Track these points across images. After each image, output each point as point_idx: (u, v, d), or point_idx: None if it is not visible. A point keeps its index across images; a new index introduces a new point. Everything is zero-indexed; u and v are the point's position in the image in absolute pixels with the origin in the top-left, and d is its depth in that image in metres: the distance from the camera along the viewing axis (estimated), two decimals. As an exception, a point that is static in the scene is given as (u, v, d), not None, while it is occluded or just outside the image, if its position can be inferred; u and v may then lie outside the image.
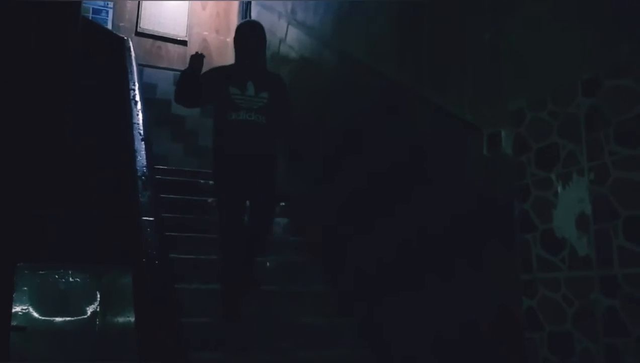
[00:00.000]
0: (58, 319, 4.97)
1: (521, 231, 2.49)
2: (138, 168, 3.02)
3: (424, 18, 3.37)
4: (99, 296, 4.68)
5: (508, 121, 2.60)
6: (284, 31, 5.99)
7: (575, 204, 2.25)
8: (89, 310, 4.89)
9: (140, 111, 3.89)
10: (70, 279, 5.01)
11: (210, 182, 5.36)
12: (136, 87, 4.37)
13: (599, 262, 2.13)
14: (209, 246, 3.71)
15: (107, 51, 4.99)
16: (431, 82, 3.24)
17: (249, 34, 3.51)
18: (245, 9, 7.94)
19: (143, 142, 3.38)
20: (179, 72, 8.24)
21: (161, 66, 7.99)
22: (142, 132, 3.51)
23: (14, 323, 4.21)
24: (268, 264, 3.79)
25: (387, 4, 3.81)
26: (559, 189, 2.32)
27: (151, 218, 2.55)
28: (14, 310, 4.40)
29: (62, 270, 4.84)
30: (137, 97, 4.16)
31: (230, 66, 3.64)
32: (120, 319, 4.59)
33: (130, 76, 4.51)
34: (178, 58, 8.17)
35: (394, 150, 3.46)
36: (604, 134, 2.15)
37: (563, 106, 2.33)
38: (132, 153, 3.22)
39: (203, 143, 7.92)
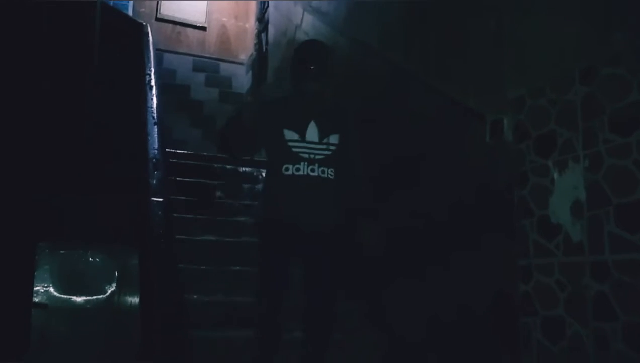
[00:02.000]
0: (77, 298, 5.13)
1: (519, 217, 2.53)
2: (150, 150, 3.13)
3: (432, 10, 3.39)
4: (116, 275, 4.83)
5: (509, 109, 2.64)
6: (300, 17, 6.03)
7: (570, 191, 2.28)
8: (107, 289, 5.05)
9: (155, 96, 3.99)
10: (90, 259, 5.17)
11: (228, 166, 5.49)
12: (152, 73, 4.47)
13: (591, 248, 2.17)
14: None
15: (126, 36, 5.09)
16: (438, 71, 3.27)
17: (311, 57, 2.55)
18: (264, -5, 7.99)
19: (156, 126, 3.48)
20: (198, 58, 8.46)
21: (180, 51, 8.08)
22: (155, 116, 3.61)
23: (35, 300, 4.38)
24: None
25: (398, -9, 3.83)
26: (556, 176, 2.35)
27: (160, 199, 2.65)
28: (35, 288, 4.56)
29: (81, 250, 5.00)
30: (153, 82, 4.27)
31: (286, 99, 2.66)
32: (136, 299, 4.74)
33: (147, 61, 4.61)
34: (197, 44, 8.25)
35: (400, 135, 3.51)
36: (598, 122, 2.17)
37: (561, 94, 2.36)
38: (145, 136, 3.32)
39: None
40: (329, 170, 2.48)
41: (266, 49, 7.45)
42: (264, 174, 5.41)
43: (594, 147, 2.18)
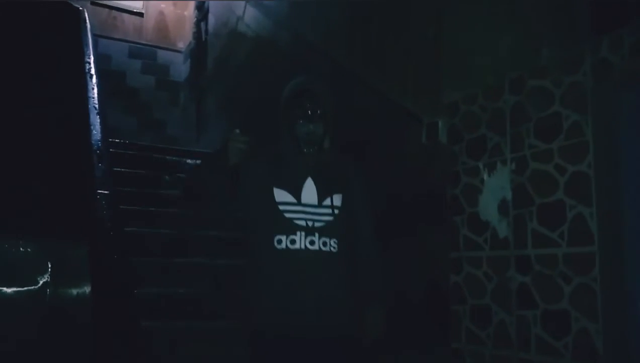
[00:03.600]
0: (7, 289, 5.00)
1: (452, 214, 2.73)
2: (93, 141, 3.10)
3: (376, 12, 3.53)
4: (50, 267, 4.74)
5: (444, 112, 2.82)
6: (242, 9, 6.05)
7: (498, 191, 2.49)
8: (40, 281, 4.95)
9: (95, 85, 3.93)
10: (21, 249, 5.05)
11: (169, 158, 5.45)
12: (92, 61, 4.39)
13: (516, 243, 2.39)
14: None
15: (61, 20, 4.94)
16: (378, 71, 3.43)
17: (308, 102, 1.98)
18: (204, -17, 7.92)
19: (98, 116, 3.45)
20: (134, 44, 8.31)
21: (116, 37, 7.92)
22: (97, 106, 3.57)
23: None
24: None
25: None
26: (485, 177, 2.56)
27: (106, 191, 2.66)
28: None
29: (12, 241, 4.87)
30: (93, 71, 4.20)
31: (276, 149, 2.06)
32: (72, 290, 4.68)
33: (85, 49, 4.52)
34: (134, 30, 8.11)
35: (341, 132, 3.64)
36: (525, 129, 2.39)
37: (492, 101, 2.56)
38: (87, 126, 3.29)
39: (157, 116, 7.94)
40: (332, 241, 1.90)
41: (206, 38, 7.42)
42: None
43: (520, 151, 2.40)
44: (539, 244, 2.29)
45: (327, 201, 1.95)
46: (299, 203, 1.92)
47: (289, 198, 1.93)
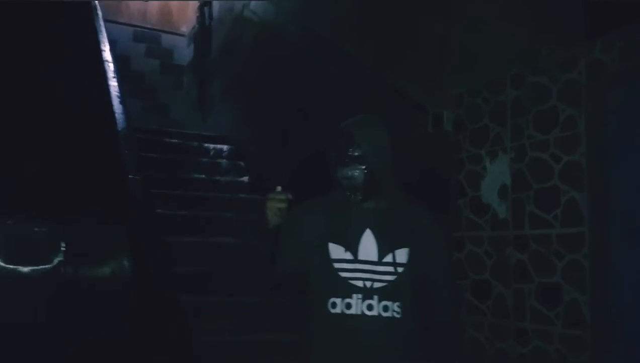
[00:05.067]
0: (24, 268, 5.18)
1: (455, 197, 2.98)
2: (120, 129, 3.31)
3: (385, 7, 3.74)
4: (65, 247, 4.93)
5: (450, 104, 3.06)
6: (248, -4, 6.21)
7: (498, 177, 2.75)
8: (55, 260, 5.12)
9: (113, 73, 4.12)
10: (36, 229, 5.21)
11: (174, 140, 5.68)
12: (107, 49, 4.57)
13: (514, 224, 2.65)
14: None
15: (77, 9, 5.09)
16: (388, 64, 3.64)
17: (343, 144, 1.69)
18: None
19: (122, 105, 3.64)
20: (138, 28, 8.43)
21: (121, 21, 8.04)
22: (119, 94, 3.77)
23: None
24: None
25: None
26: (487, 164, 2.81)
27: (138, 176, 2.88)
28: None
29: (32, 221, 5.04)
30: (109, 58, 4.38)
31: (327, 200, 1.80)
32: (88, 271, 4.88)
33: (100, 37, 4.69)
34: (138, 14, 8.24)
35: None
36: (524, 121, 2.63)
37: (494, 95, 2.80)
38: (111, 114, 3.48)
39: (162, 100, 8.12)
40: (395, 305, 1.63)
41: (210, 23, 7.56)
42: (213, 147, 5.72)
43: (520, 141, 2.65)
44: (536, 225, 2.55)
45: (389, 257, 1.66)
46: (356, 260, 1.65)
47: (345, 254, 1.66)
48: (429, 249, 1.71)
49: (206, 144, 5.81)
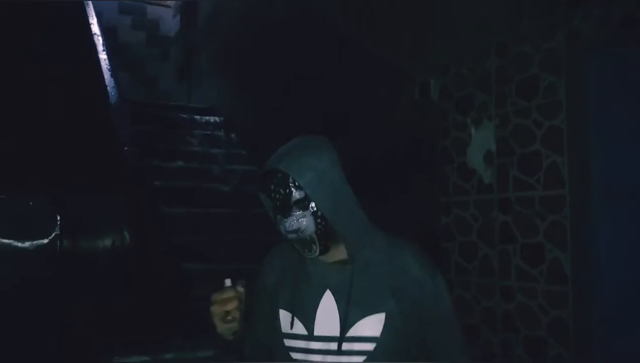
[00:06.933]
0: (19, 243, 5.23)
1: (442, 164, 3.09)
2: (114, 102, 3.35)
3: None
4: (60, 221, 5.00)
5: (436, 73, 3.15)
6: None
7: (483, 143, 2.85)
8: (52, 234, 5.17)
9: (103, 46, 4.14)
10: (31, 203, 5.25)
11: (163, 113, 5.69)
12: (95, 22, 4.57)
13: (499, 188, 2.77)
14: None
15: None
16: (374, 33, 3.70)
17: (274, 189, 1.23)
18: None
19: (112, 78, 3.68)
20: (124, 1, 8.35)
21: (105, -7, 7.96)
22: (110, 68, 3.80)
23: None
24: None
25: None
26: (473, 131, 2.92)
27: (135, 149, 2.95)
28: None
29: (25, 195, 5.06)
30: (98, 31, 4.39)
31: (283, 249, 1.37)
32: (83, 243, 4.95)
33: (87, 9, 4.68)
34: (123, -15, 8.15)
35: (341, 92, 3.95)
36: (508, 89, 2.73)
37: (479, 64, 2.89)
38: (103, 88, 3.52)
39: (150, 72, 8.10)
40: None
41: (196, -6, 7.50)
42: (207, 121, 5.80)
43: (504, 108, 2.75)
44: (519, 188, 2.67)
45: (357, 329, 1.20)
46: (311, 336, 1.22)
47: (297, 326, 1.24)
48: (425, 304, 1.22)
49: (196, 116, 5.86)
